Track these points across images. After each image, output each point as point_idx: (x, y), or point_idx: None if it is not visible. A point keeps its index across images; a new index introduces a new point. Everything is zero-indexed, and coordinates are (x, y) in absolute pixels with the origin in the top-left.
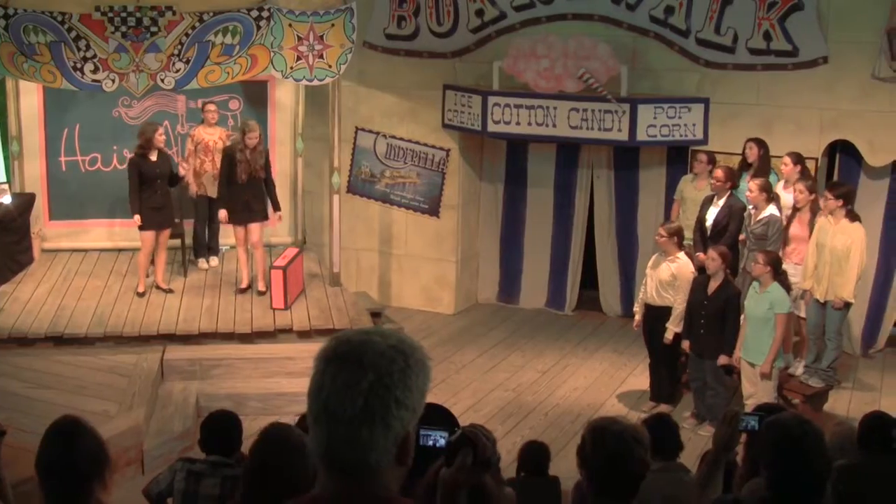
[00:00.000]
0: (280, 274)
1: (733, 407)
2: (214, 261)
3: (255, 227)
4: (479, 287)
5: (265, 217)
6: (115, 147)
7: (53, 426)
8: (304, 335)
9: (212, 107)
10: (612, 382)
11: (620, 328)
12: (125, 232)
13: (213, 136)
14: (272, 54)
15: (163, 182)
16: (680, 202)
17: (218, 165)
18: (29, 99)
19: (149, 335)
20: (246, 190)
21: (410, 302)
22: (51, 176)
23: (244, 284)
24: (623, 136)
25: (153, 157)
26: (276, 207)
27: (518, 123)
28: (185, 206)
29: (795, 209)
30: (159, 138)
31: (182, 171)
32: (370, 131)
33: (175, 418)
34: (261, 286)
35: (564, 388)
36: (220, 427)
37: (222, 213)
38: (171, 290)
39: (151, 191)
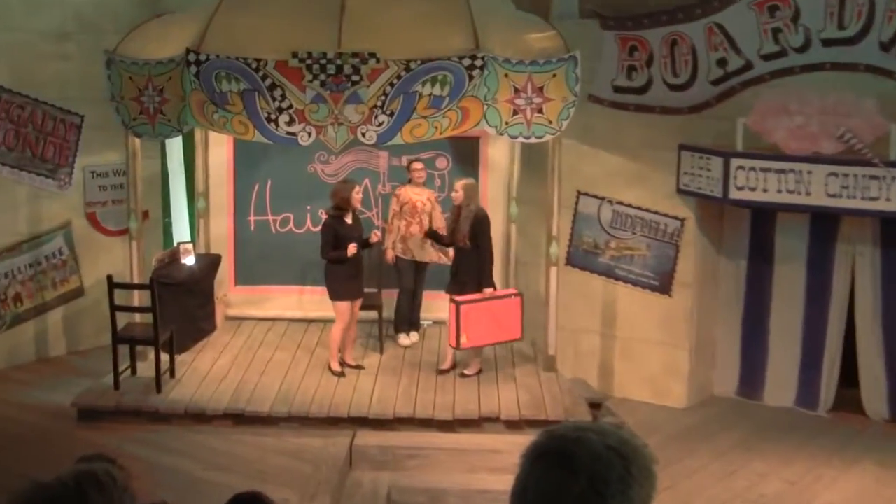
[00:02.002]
0: (453, 309)
1: None
2: (415, 336)
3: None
4: (716, 378)
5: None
6: (308, 207)
7: (234, 499)
8: (513, 426)
9: (419, 165)
10: (877, 502)
11: (886, 435)
12: (316, 301)
13: (421, 197)
14: (485, 107)
15: (358, 247)
16: None
17: (424, 227)
18: (218, 152)
19: (338, 417)
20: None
21: (635, 392)
22: (238, 236)
23: (447, 365)
24: (892, 206)
25: (349, 219)
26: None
27: (765, 190)
28: (385, 275)
29: None
30: (356, 198)
31: (375, 237)
32: (594, 196)
33: None
34: (469, 370)
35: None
36: None
37: (389, 254)
38: (361, 367)
39: (347, 259)
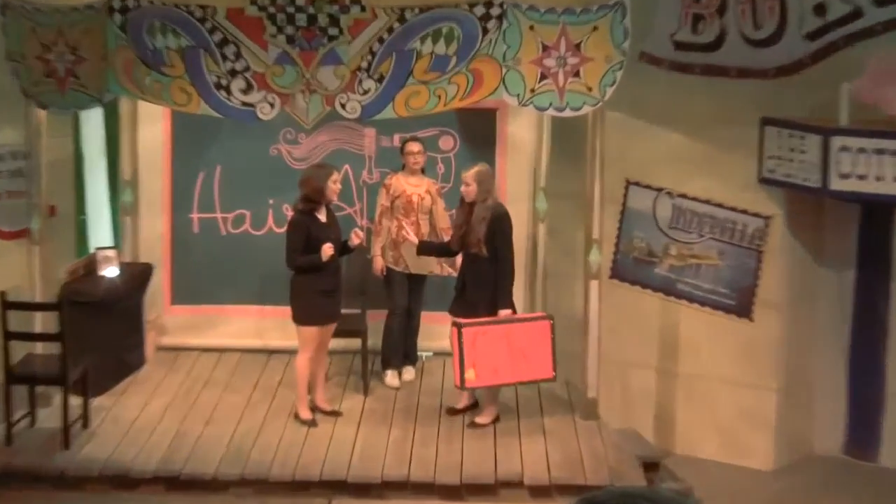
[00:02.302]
0: (454, 334)
1: None
2: (410, 372)
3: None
4: (815, 431)
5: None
6: (271, 201)
7: None
8: (541, 493)
9: (416, 146)
10: None
11: None
12: (280, 325)
13: (419, 189)
14: (504, 70)
15: (334, 253)
16: None
17: (424, 228)
18: (150, 130)
19: (307, 481)
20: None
21: (705, 449)
22: (177, 240)
23: (461, 404)
24: None
25: (322, 216)
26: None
27: (879, 178)
28: (370, 291)
29: None
30: (333, 188)
31: (357, 239)
32: (648, 187)
33: None
34: (482, 418)
35: None
36: None
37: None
38: (338, 413)
39: (320, 267)
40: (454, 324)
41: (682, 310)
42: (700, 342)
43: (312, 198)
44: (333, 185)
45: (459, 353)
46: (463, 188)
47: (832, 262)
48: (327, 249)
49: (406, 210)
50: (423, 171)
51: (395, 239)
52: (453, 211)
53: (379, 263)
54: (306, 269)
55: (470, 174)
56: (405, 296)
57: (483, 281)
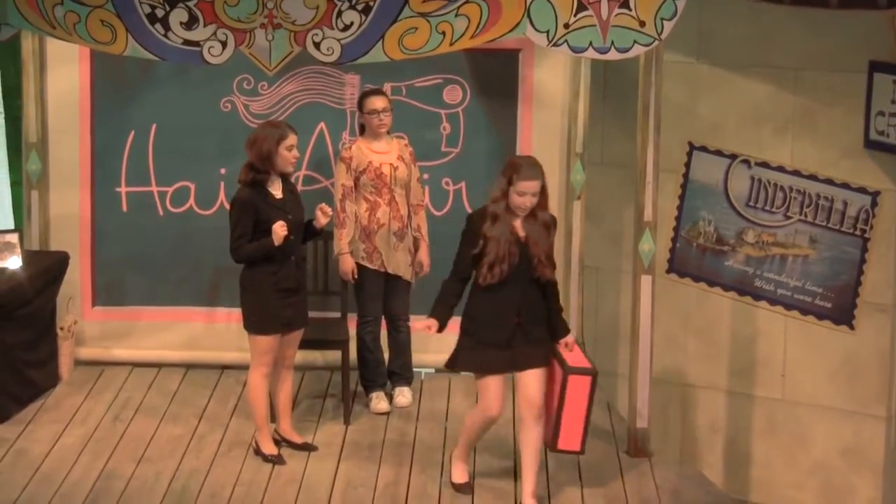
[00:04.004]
0: (581, 384)
1: None
2: (405, 395)
3: None
4: None
5: None
6: (223, 170)
7: None
8: None
9: (381, 102)
10: None
11: None
12: (234, 333)
13: (388, 157)
14: (528, 0)
15: (296, 238)
16: None
17: (404, 208)
18: (64, 76)
19: None
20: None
21: (791, 496)
22: (100, 222)
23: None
24: None
25: (276, 189)
26: None
27: None
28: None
29: None
30: (286, 155)
31: (324, 217)
32: (718, 153)
33: None
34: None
35: None
36: None
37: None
38: (311, 448)
39: (276, 256)
40: (578, 371)
41: (762, 314)
42: (787, 356)
43: (259, 165)
44: (286, 153)
45: (559, 406)
46: (528, 200)
47: None
48: (279, 229)
49: (377, 187)
50: (388, 132)
51: (366, 227)
52: (449, 181)
53: (348, 264)
54: (256, 260)
55: (531, 184)
56: (379, 300)
57: (540, 310)
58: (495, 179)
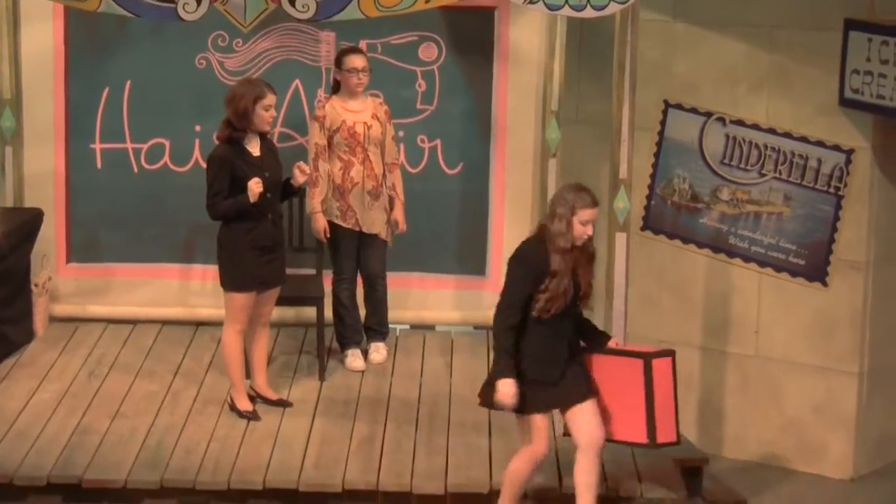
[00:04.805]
0: (665, 367)
1: None
2: (381, 352)
3: None
4: None
5: None
6: (198, 128)
7: None
8: (546, 503)
9: (361, 61)
10: None
11: None
12: (210, 290)
13: (363, 116)
14: None
15: (273, 196)
16: None
17: (378, 167)
18: (37, 33)
19: (247, 490)
20: None
21: (763, 452)
22: (74, 178)
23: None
24: None
25: (254, 147)
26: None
27: None
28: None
29: None
30: (263, 114)
31: (301, 176)
32: (693, 111)
33: None
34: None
35: None
36: None
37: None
38: (286, 404)
39: (253, 213)
40: (659, 355)
41: (736, 271)
42: (760, 314)
43: (237, 123)
44: (263, 112)
45: (649, 397)
46: (590, 229)
47: None
48: (254, 186)
49: (351, 146)
50: (364, 92)
51: (339, 186)
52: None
53: (321, 223)
54: (233, 217)
55: (589, 212)
56: (354, 259)
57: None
58: (553, 211)
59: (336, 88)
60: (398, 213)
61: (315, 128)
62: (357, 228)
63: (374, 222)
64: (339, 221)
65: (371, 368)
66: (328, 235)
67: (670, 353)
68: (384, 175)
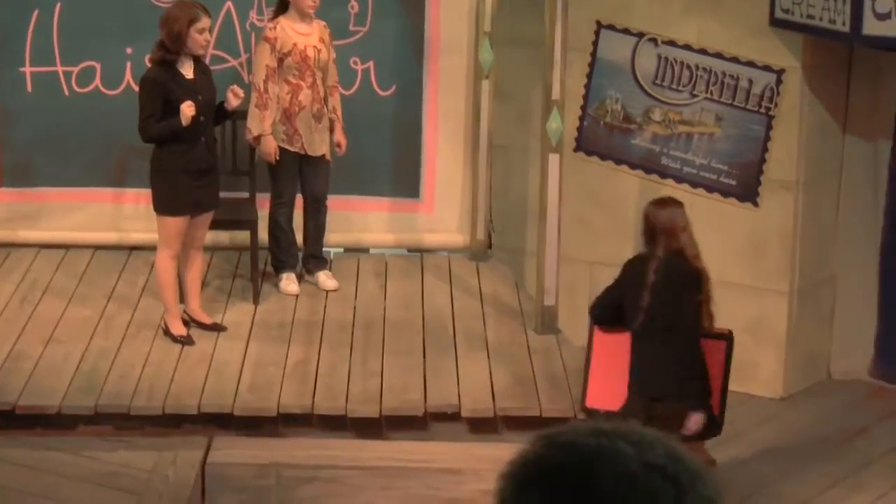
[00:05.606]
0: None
1: None
2: (330, 280)
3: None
4: (835, 348)
5: None
6: (129, 50)
7: None
8: (483, 427)
9: None
10: None
11: None
12: (142, 214)
13: (311, 39)
14: None
15: (207, 119)
16: None
17: (322, 90)
18: None
19: (181, 415)
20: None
21: None
22: (4, 103)
23: None
24: None
25: (187, 70)
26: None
27: None
28: (259, 168)
29: None
30: (197, 38)
31: (235, 99)
32: (626, 32)
33: None
34: None
35: None
36: None
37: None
38: (220, 328)
39: (185, 136)
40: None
41: (668, 192)
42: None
43: (171, 47)
44: (197, 36)
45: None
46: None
47: (863, 129)
48: (186, 109)
49: (301, 69)
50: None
51: (287, 109)
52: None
53: (271, 145)
54: (165, 140)
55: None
56: (296, 182)
57: (690, 356)
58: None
59: (282, 10)
60: (339, 136)
61: (266, 49)
62: (302, 152)
63: (319, 145)
64: (285, 145)
65: (305, 291)
66: (278, 158)
67: (726, 337)
68: (326, 98)
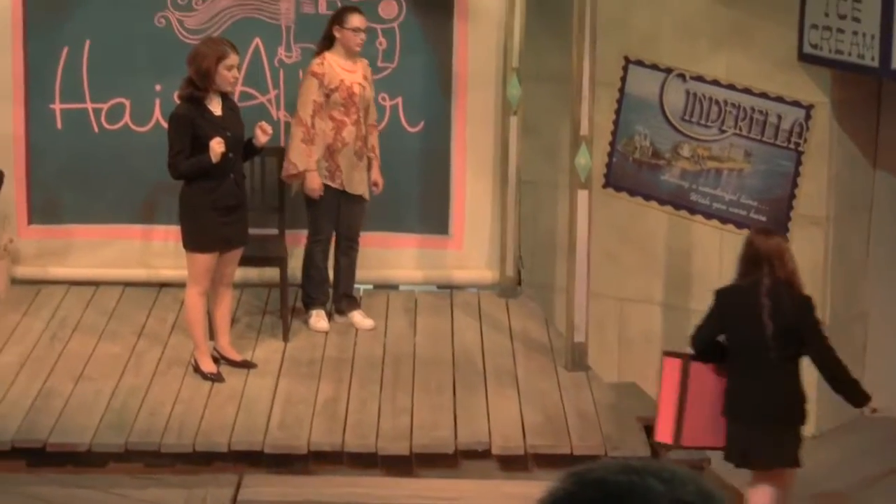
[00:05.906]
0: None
1: None
2: (365, 319)
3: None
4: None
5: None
6: (158, 87)
7: None
8: (514, 465)
9: (362, 20)
10: None
11: None
12: (171, 251)
13: (356, 76)
14: None
15: (235, 156)
16: None
17: (364, 128)
18: None
19: (212, 452)
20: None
21: None
22: (34, 139)
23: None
24: None
25: (215, 106)
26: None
27: None
28: (290, 206)
29: None
30: (225, 74)
31: (264, 136)
32: (654, 67)
33: None
34: None
35: None
36: None
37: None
38: (251, 365)
39: (215, 173)
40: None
41: (697, 228)
42: (721, 269)
43: (199, 83)
44: (226, 73)
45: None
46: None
47: (893, 163)
48: (216, 146)
49: (346, 106)
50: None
51: (330, 145)
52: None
53: (317, 181)
54: (194, 177)
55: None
56: (333, 219)
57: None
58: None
59: (327, 45)
60: (377, 175)
61: (314, 84)
62: (342, 188)
63: (358, 183)
64: (327, 181)
65: (334, 327)
66: (322, 194)
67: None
68: (366, 136)
